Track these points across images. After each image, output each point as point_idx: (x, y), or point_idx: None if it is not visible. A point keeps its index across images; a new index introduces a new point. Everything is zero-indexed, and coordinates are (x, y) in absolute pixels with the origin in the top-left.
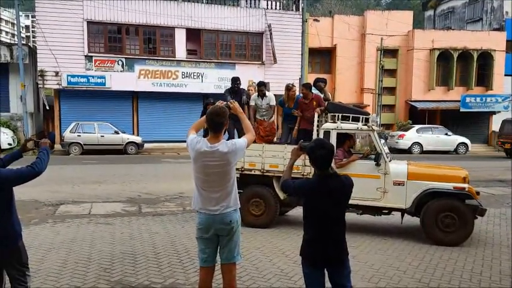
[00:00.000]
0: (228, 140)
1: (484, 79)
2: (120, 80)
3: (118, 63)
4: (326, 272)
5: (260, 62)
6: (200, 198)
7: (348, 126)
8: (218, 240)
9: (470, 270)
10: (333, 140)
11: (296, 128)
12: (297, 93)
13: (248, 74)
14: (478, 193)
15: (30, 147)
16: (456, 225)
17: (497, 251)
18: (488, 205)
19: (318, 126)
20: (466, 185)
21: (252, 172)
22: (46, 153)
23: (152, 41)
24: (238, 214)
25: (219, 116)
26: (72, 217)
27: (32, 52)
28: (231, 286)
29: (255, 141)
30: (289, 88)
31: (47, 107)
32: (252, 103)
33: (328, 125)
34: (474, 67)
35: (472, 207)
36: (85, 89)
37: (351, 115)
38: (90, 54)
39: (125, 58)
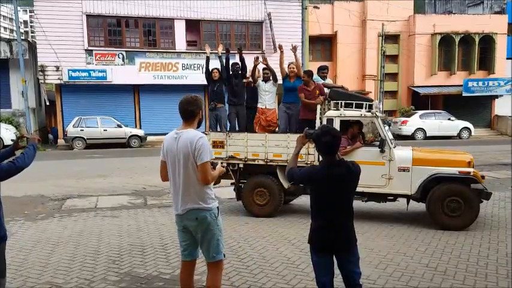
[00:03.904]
0: (229, 129)
1: (486, 63)
2: (121, 73)
3: (118, 57)
4: (335, 259)
5: (260, 51)
6: (172, 195)
7: (352, 113)
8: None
9: (477, 253)
10: (337, 128)
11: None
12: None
13: (248, 64)
14: (483, 177)
15: (23, 144)
16: (462, 209)
17: (503, 234)
18: (493, 189)
19: (320, 114)
20: (471, 169)
21: (256, 162)
22: (32, 148)
23: (152, 33)
24: (209, 213)
25: (189, 103)
26: (79, 211)
27: (32, 47)
28: (213, 284)
29: (255, 131)
30: (287, 66)
31: (47, 102)
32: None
33: (331, 113)
34: (476, 51)
35: (477, 191)
36: (86, 83)
37: (354, 102)
38: (90, 48)
39: (125, 51)
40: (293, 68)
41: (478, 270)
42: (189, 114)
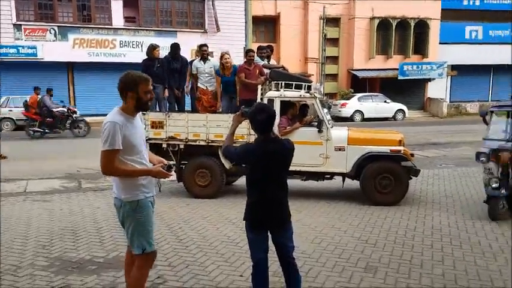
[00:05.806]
0: (167, 111)
1: (421, 47)
2: (53, 50)
3: (50, 32)
4: (270, 236)
5: (203, 30)
6: None
7: (291, 94)
8: None
9: (405, 226)
10: (277, 108)
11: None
12: (233, 62)
13: (190, 43)
14: (412, 155)
15: None
16: (392, 185)
17: (430, 209)
18: (423, 166)
19: (261, 94)
20: (401, 148)
21: (197, 143)
22: None
23: (87, 7)
24: (123, 203)
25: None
26: (6, 195)
27: None
28: (131, 281)
29: (198, 111)
30: (221, 56)
31: None
32: (193, 70)
33: (271, 93)
34: (411, 36)
35: (407, 168)
36: (15, 60)
37: (294, 83)
38: (18, 22)
39: (58, 26)
40: (227, 58)
41: (405, 242)
42: (119, 91)
